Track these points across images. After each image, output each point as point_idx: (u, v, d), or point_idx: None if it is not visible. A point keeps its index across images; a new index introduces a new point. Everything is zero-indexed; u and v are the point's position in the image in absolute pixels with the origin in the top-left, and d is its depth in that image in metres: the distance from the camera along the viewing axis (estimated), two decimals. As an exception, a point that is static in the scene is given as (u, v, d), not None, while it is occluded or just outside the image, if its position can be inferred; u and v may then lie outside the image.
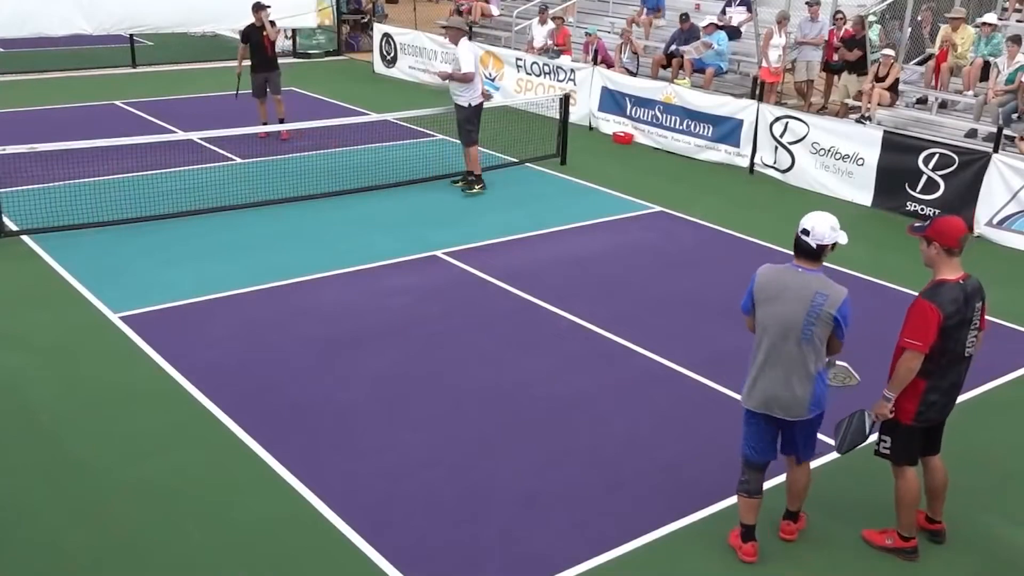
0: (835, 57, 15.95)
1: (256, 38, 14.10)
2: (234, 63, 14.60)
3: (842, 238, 5.27)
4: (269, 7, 14.25)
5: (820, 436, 5.59)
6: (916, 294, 5.40)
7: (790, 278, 5.24)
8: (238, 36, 14.92)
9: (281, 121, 14.33)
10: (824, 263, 5.30)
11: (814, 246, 5.18)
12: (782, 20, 16.00)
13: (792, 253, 5.34)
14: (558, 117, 14.07)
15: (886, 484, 5.77)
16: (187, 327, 8.34)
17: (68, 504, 5.92)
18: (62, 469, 6.29)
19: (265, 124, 14.28)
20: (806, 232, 5.20)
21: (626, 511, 6.01)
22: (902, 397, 5.35)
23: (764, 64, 16.14)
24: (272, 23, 14.29)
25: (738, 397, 7.25)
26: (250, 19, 14.17)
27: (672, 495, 6.18)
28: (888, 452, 5.54)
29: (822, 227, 5.17)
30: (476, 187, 12.36)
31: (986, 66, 13.87)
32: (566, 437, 6.83)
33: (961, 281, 5.28)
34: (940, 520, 5.83)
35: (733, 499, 6.02)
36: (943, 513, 5.83)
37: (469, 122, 12.17)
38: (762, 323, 5.31)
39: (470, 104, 12.11)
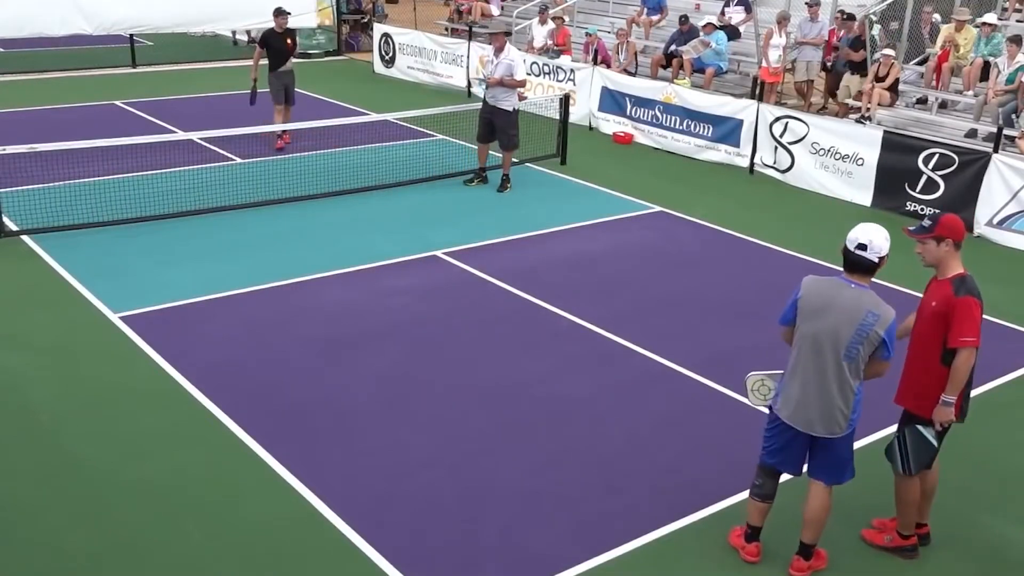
0: (832, 56, 15.93)
1: (278, 43, 13.75)
2: (235, 63, 14.52)
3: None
4: (290, 14, 14.03)
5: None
6: (919, 295, 5.39)
7: (839, 292, 5.06)
8: (231, 37, 14.59)
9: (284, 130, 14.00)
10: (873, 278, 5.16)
11: (876, 260, 5.00)
12: (782, 20, 16.00)
13: (841, 268, 5.17)
14: (558, 117, 14.07)
15: (884, 484, 5.77)
16: (187, 327, 8.34)
17: (68, 504, 5.91)
18: (62, 469, 6.28)
19: (283, 133, 13.94)
20: (863, 247, 4.99)
21: (626, 511, 6.00)
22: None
23: (764, 64, 16.15)
24: (293, 36, 13.98)
25: (739, 397, 7.29)
26: (247, 20, 13.97)
27: (672, 495, 6.17)
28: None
29: (879, 239, 4.98)
30: (508, 186, 12.57)
31: (986, 66, 13.87)
32: (566, 437, 6.83)
33: (969, 274, 5.30)
34: (926, 523, 5.82)
35: (733, 499, 6.04)
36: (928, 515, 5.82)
37: (514, 127, 12.31)
38: (804, 336, 5.12)
39: (514, 108, 12.24)
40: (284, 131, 13.93)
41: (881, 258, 5.02)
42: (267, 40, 13.92)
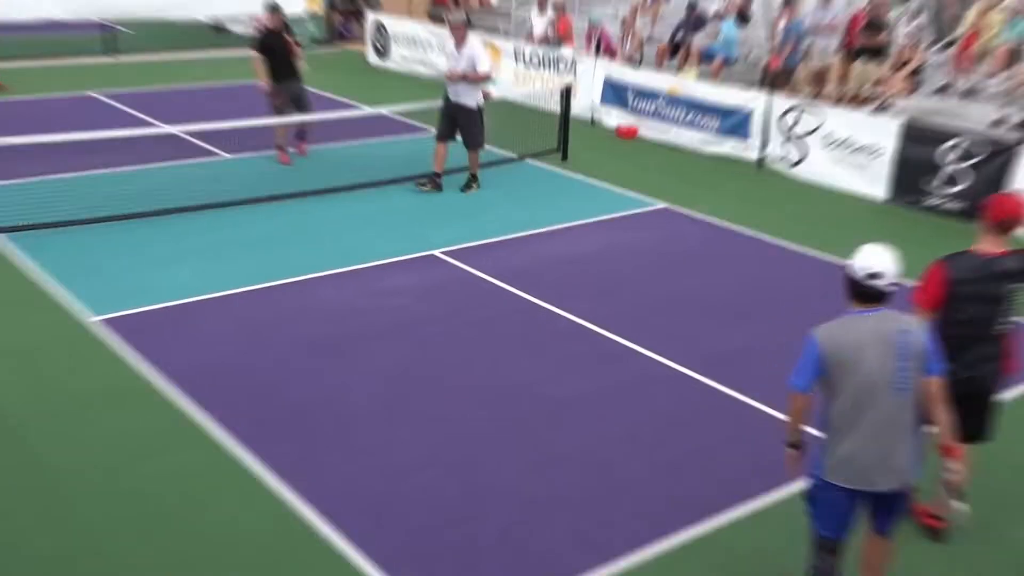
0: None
1: (278, 45, 12.76)
2: (220, 53, 14.31)
3: None
4: (281, 9, 13.02)
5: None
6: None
7: (862, 327, 4.69)
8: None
9: (303, 137, 13.63)
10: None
11: (891, 287, 4.69)
12: (787, 4, 16.03)
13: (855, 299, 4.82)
14: (559, 110, 14.16)
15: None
16: (170, 330, 8.41)
17: (35, 509, 5.98)
18: (35, 476, 6.33)
19: (281, 147, 13.25)
20: (875, 276, 4.65)
21: (626, 514, 6.15)
22: None
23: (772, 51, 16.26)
24: (290, 33, 13.01)
25: (742, 398, 7.48)
26: (228, 7, 13.52)
27: (672, 497, 6.33)
28: None
29: (890, 265, 4.67)
30: (474, 186, 12.54)
31: (1014, 52, 13.93)
32: (566, 438, 6.99)
33: (995, 256, 5.38)
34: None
35: (734, 501, 6.21)
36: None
37: (477, 125, 12.27)
38: (847, 389, 4.69)
39: (478, 105, 12.20)
40: (300, 140, 13.56)
41: (895, 283, 4.72)
42: (264, 44, 12.80)
